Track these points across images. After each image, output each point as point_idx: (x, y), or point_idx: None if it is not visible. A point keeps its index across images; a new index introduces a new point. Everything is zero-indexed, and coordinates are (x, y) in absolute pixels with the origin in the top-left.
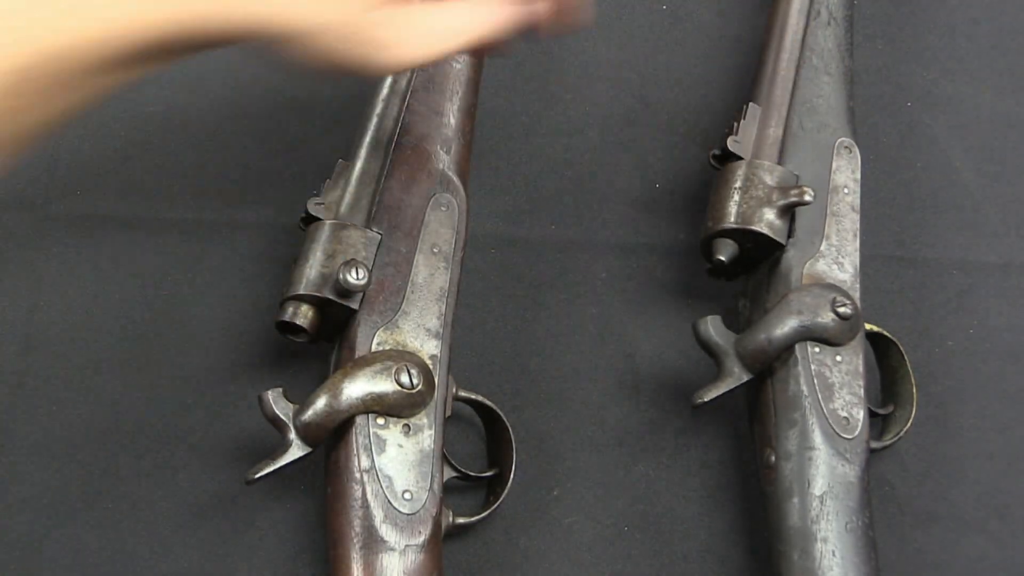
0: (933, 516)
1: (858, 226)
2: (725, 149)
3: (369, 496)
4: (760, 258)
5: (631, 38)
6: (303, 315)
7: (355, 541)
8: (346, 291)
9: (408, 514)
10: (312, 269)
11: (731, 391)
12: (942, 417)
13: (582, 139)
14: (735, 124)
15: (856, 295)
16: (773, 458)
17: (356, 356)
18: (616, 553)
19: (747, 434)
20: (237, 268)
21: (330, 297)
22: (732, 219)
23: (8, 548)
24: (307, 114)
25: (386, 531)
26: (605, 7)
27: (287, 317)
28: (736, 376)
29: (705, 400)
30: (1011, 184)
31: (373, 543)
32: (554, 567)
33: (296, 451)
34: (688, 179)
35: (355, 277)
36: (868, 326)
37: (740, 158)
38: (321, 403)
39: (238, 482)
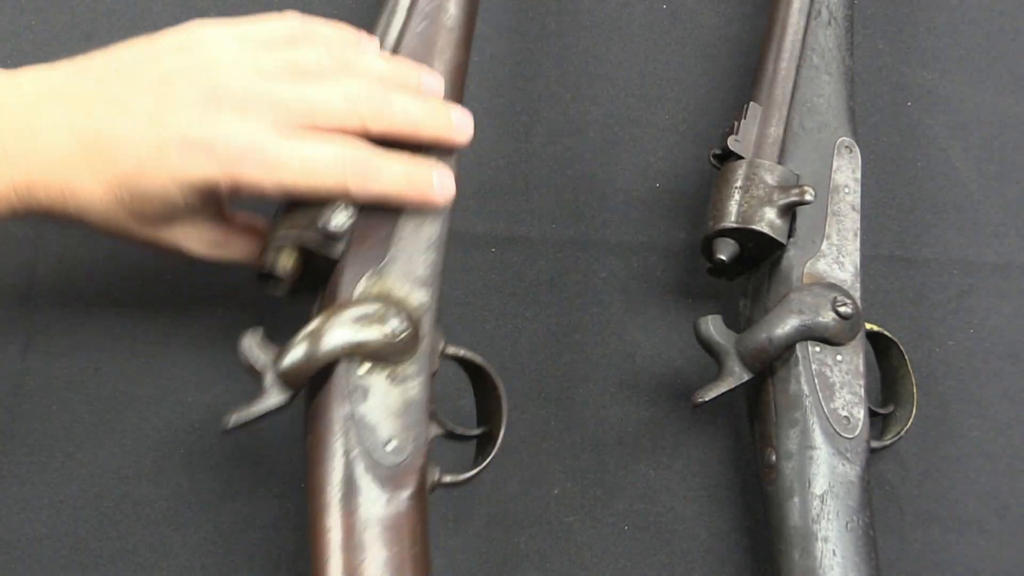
0: (933, 516)
1: (859, 226)
2: (726, 148)
3: (350, 445)
4: (761, 257)
5: (631, 38)
6: (283, 264)
7: (335, 491)
8: (330, 236)
9: (390, 466)
10: (297, 216)
11: (732, 390)
12: (942, 417)
13: (582, 139)
14: (735, 123)
15: (857, 295)
16: (774, 457)
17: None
18: (616, 553)
19: (747, 434)
20: (238, 267)
21: (313, 242)
22: (733, 218)
23: (8, 548)
24: None
25: (367, 482)
26: (605, 7)
27: (266, 266)
28: (737, 375)
29: (705, 399)
30: (1011, 184)
31: (353, 494)
32: (554, 567)
33: (274, 398)
34: (688, 179)
35: (338, 222)
36: (868, 326)
37: (741, 157)
38: (301, 349)
39: (239, 480)
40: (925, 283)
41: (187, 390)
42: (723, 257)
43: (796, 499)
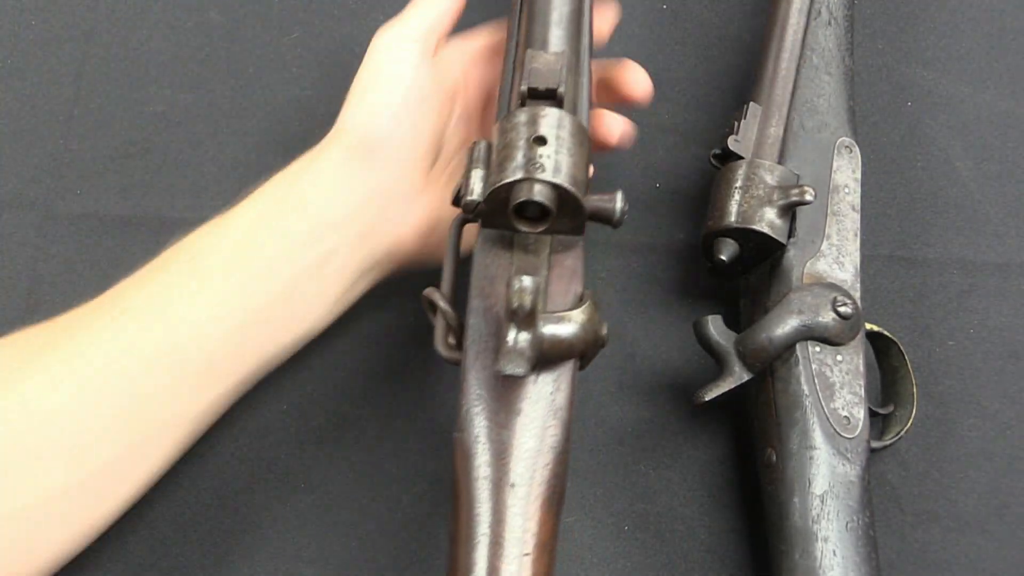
0: (933, 516)
1: (859, 226)
2: (726, 148)
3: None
4: (761, 257)
5: (631, 38)
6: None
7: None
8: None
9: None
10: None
11: (732, 390)
12: (942, 417)
13: None
14: (736, 123)
15: (857, 295)
16: (774, 457)
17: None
18: (616, 553)
19: (747, 434)
20: None
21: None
22: (733, 218)
23: None
24: (307, 114)
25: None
26: None
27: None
28: (737, 375)
29: (706, 399)
30: (1011, 184)
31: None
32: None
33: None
34: (688, 179)
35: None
36: (868, 326)
37: (741, 157)
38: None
39: (238, 480)
40: (925, 283)
41: None
42: (723, 257)
43: (796, 499)
